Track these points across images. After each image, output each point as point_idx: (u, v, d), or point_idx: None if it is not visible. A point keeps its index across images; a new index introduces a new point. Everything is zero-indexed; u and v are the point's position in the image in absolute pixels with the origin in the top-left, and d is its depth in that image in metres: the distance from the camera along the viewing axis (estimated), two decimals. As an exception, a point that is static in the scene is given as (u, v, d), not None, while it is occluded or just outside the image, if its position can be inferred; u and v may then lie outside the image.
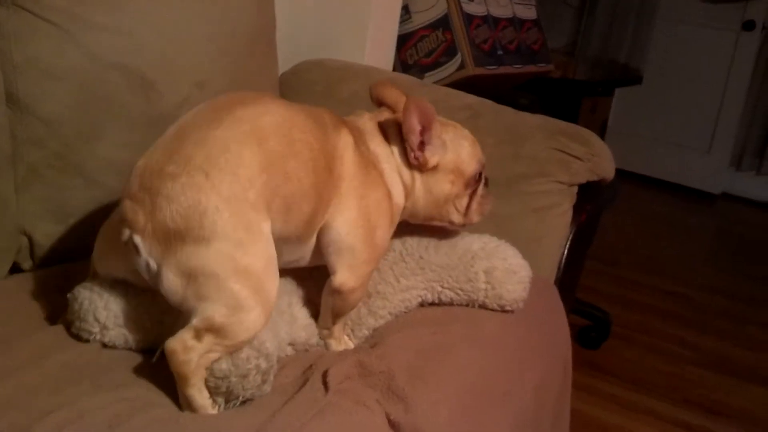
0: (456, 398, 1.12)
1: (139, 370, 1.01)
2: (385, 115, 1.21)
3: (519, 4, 2.51)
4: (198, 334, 0.92)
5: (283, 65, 1.81)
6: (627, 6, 4.47)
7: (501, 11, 2.40)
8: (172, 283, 0.93)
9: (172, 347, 0.92)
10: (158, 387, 0.98)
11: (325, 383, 1.00)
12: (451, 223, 1.23)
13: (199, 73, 1.46)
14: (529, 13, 2.56)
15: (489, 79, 2.31)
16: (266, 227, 0.96)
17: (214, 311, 0.92)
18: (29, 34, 1.25)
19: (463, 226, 1.24)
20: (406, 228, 1.25)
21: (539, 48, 2.57)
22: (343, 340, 1.16)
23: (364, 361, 1.07)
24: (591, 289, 2.81)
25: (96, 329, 1.05)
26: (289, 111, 1.06)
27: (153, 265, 0.94)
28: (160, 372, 1.01)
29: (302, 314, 1.12)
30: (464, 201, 1.21)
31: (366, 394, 1.02)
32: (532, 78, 2.59)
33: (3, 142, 1.24)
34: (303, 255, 1.11)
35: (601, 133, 4.18)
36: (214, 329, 0.92)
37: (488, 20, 2.33)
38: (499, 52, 2.34)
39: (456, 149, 1.19)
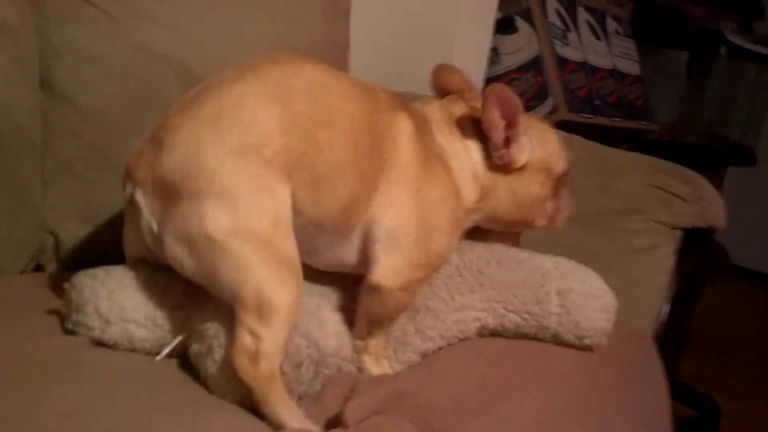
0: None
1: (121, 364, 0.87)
2: (458, 104, 1.03)
3: (620, 57, 2.34)
4: (246, 325, 0.79)
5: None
6: (739, 81, 4.22)
7: (600, 61, 2.24)
8: (173, 249, 0.82)
9: (238, 364, 0.78)
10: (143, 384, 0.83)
11: (342, 420, 0.81)
12: (533, 228, 1.08)
13: (256, 79, 1.35)
14: (631, 68, 2.39)
15: (584, 128, 2.13)
16: (283, 193, 0.82)
17: (233, 283, 0.79)
18: (72, 17, 1.18)
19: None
20: (469, 238, 1.06)
21: (642, 105, 2.38)
22: (381, 361, 0.96)
23: (400, 388, 0.88)
24: (695, 376, 2.51)
25: (95, 323, 0.90)
26: (330, 76, 0.92)
27: (154, 227, 0.84)
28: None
29: (332, 319, 0.94)
30: (551, 204, 1.05)
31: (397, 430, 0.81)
32: (634, 136, 2.38)
33: (32, 127, 1.15)
34: (346, 255, 0.94)
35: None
36: (248, 306, 0.79)
37: (585, 67, 2.16)
38: (597, 102, 2.16)
39: (544, 146, 1.03)
